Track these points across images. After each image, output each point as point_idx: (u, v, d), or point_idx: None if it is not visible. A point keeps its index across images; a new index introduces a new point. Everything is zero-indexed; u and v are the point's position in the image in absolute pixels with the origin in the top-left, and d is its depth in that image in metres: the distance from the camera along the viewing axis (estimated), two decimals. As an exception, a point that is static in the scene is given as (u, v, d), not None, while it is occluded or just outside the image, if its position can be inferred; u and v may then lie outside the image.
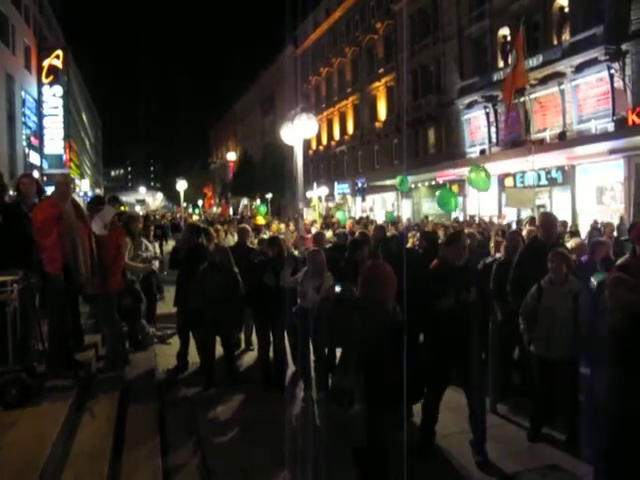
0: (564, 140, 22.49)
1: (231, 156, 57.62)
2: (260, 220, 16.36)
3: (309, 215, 28.44)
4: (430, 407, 5.11)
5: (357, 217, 22.90)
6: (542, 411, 5.37)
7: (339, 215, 15.71)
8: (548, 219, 6.43)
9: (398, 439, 3.74)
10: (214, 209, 40.74)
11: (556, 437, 5.25)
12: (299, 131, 9.53)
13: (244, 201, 49.58)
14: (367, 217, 23.90)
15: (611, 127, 20.81)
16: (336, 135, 47.72)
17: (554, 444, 5.16)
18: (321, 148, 50.37)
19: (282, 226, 15.19)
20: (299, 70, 54.96)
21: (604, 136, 20.18)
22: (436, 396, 5.08)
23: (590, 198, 21.80)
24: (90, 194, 50.33)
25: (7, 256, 5.01)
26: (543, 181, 23.74)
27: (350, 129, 45.14)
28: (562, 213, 21.43)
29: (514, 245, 6.64)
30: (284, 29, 49.35)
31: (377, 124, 40.16)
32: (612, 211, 20.22)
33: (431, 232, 10.20)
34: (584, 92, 22.34)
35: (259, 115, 65.98)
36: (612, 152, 19.38)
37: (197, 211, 41.03)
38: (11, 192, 7.00)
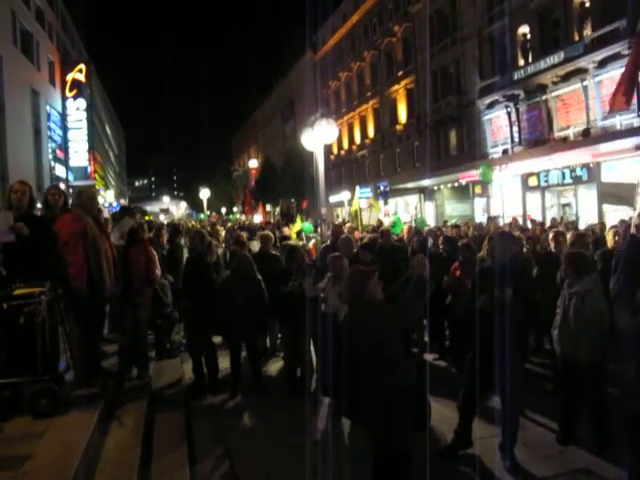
0: (588, 137, 22.16)
1: (253, 163, 57.96)
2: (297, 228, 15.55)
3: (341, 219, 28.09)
4: (466, 408, 5.08)
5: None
6: (570, 413, 5.29)
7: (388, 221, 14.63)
8: None
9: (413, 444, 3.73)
10: (247, 216, 40.73)
11: (587, 440, 5.16)
12: (319, 136, 9.57)
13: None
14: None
15: (637, 122, 20.42)
16: (357, 139, 47.69)
17: (585, 447, 5.07)
18: (342, 152, 50.37)
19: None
20: (318, 75, 55.09)
21: (630, 132, 19.82)
22: (473, 397, 5.04)
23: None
24: (115, 205, 51.02)
25: (35, 268, 5.09)
26: (567, 179, 23.40)
27: (371, 133, 45.08)
28: (588, 212, 21.16)
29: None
30: (303, 35, 49.44)
31: (398, 127, 40.03)
32: (640, 208, 19.81)
33: (453, 236, 10.13)
34: (608, 88, 21.91)
35: (280, 121, 66.28)
36: (638, 148, 19.01)
37: (232, 217, 41.19)
38: (38, 205, 7.06)
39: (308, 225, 15.82)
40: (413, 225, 15.03)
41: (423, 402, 3.89)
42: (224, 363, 7.24)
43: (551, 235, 7.53)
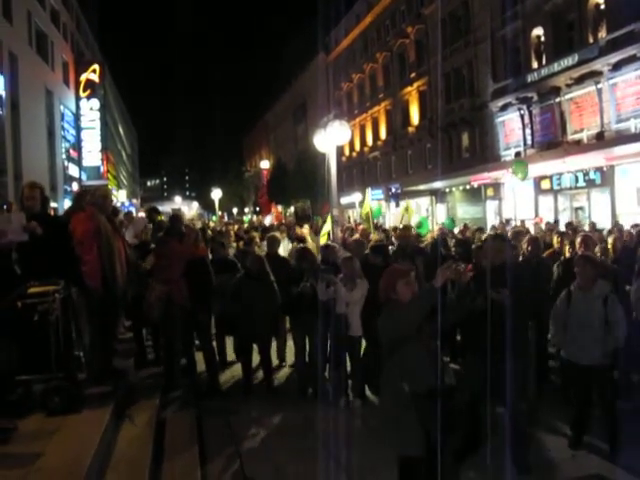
0: (602, 140, 21.99)
1: (264, 164, 58.01)
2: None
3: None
4: (475, 411, 5.04)
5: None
6: (581, 418, 5.25)
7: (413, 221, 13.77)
8: None
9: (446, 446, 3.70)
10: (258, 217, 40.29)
11: (599, 445, 5.12)
12: (332, 138, 9.57)
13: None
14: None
15: (652, 126, 20.29)
16: (369, 141, 47.66)
17: (597, 452, 5.03)
18: (354, 154, 50.36)
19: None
20: (331, 77, 55.12)
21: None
22: (480, 400, 4.99)
23: (630, 199, 21.15)
24: (127, 204, 51.29)
25: (48, 267, 5.11)
26: (581, 183, 23.24)
27: (383, 135, 45.02)
28: (601, 216, 20.99)
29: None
30: (315, 37, 49.36)
31: (410, 129, 39.96)
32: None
33: (465, 239, 10.06)
34: (622, 90, 21.82)
35: (292, 123, 66.35)
36: (653, 151, 18.86)
37: (247, 219, 40.80)
38: (53, 204, 7.04)
39: (377, 208, 15.16)
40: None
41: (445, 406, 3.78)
42: (236, 366, 7.25)
43: (579, 239, 7.41)
